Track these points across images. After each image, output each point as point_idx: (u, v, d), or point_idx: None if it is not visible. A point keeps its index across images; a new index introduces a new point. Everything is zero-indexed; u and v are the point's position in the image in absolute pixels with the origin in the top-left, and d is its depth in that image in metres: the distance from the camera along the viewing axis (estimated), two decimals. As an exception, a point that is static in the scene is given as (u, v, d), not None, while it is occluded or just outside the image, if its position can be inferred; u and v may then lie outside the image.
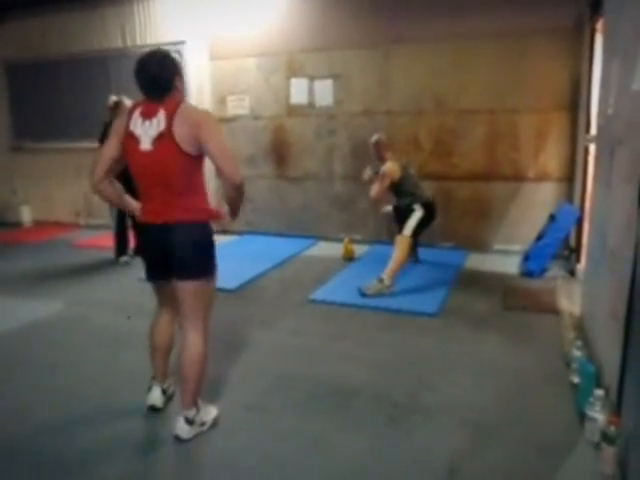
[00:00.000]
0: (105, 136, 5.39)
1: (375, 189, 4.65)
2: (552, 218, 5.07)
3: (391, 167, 4.61)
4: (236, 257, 5.54)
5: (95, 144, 7.28)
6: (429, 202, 4.68)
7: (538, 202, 5.51)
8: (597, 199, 3.35)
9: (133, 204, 2.43)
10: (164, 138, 2.15)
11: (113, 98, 5.62)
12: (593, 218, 3.49)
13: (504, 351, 3.32)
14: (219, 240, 2.73)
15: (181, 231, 2.27)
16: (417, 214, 4.57)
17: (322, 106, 6.25)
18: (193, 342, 2.37)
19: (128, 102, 5.50)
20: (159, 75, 2.22)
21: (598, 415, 2.28)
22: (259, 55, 6.41)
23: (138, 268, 5.21)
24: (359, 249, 5.70)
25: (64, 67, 7.48)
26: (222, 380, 3.00)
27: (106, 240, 6.65)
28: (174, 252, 2.29)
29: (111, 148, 2.29)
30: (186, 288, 2.33)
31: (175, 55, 2.34)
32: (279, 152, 6.57)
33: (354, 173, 6.13)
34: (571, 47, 5.13)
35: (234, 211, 2.45)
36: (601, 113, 3.37)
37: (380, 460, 2.29)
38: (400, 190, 4.68)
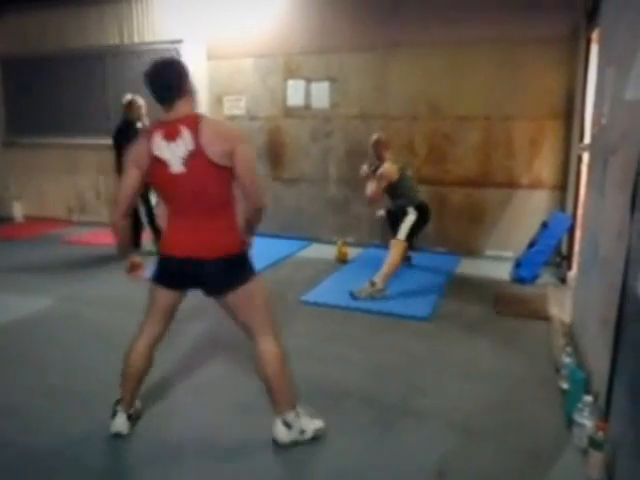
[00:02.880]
0: (121, 134, 5.48)
1: (372, 189, 4.62)
2: (544, 225, 5.10)
3: (390, 168, 4.57)
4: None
5: (91, 140, 7.38)
6: (423, 205, 4.67)
7: (531, 209, 5.54)
8: (589, 207, 3.38)
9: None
10: (195, 156, 2.12)
11: (127, 97, 5.65)
12: (585, 226, 3.52)
13: (495, 356, 3.33)
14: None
15: (214, 265, 2.23)
16: (410, 217, 4.55)
17: (318, 108, 6.26)
18: (265, 348, 2.32)
19: (141, 101, 5.53)
20: (171, 80, 2.21)
21: (586, 421, 2.29)
22: (256, 56, 6.42)
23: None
24: (353, 252, 5.71)
25: (60, 63, 7.45)
26: (213, 380, 2.99)
27: (98, 237, 6.63)
28: (206, 282, 2.28)
29: (132, 181, 2.24)
30: (232, 301, 2.29)
31: (182, 60, 2.34)
32: (274, 153, 6.57)
33: (349, 176, 6.15)
34: (566, 56, 5.17)
35: (251, 231, 2.41)
36: (595, 122, 3.40)
37: (370, 462, 2.29)
38: (396, 192, 4.66)
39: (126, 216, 2.32)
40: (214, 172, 2.16)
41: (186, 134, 2.12)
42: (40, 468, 2.26)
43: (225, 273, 2.25)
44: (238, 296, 2.27)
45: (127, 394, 2.45)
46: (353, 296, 4.30)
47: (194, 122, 2.15)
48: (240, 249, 2.29)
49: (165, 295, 2.36)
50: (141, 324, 2.44)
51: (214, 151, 2.12)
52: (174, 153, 2.13)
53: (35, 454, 2.35)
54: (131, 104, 5.57)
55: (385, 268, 4.38)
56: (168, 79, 2.20)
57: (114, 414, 2.44)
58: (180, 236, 2.26)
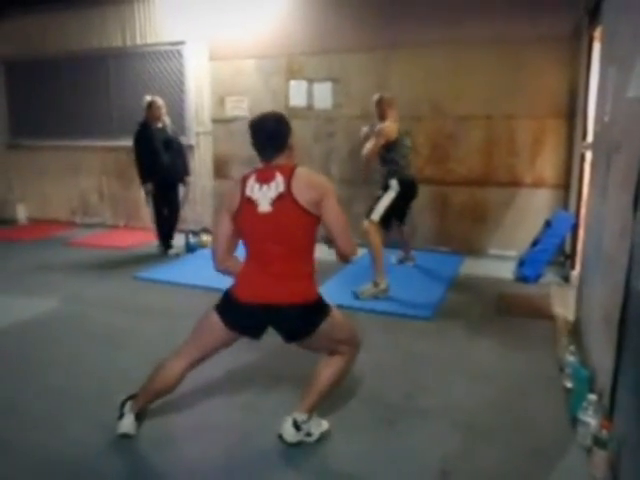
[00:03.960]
0: (139, 137, 5.61)
1: (368, 146, 4.48)
2: (548, 224, 5.09)
3: (390, 126, 4.45)
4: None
5: (93, 142, 7.41)
6: (408, 181, 4.57)
7: (534, 208, 5.53)
8: (593, 206, 3.37)
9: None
10: (284, 198, 2.17)
11: (147, 98, 5.73)
12: (588, 224, 3.52)
13: (498, 355, 3.33)
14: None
15: (288, 312, 2.23)
16: (390, 194, 4.42)
17: (321, 109, 6.27)
18: (337, 359, 2.36)
19: (160, 101, 5.61)
20: (275, 132, 2.28)
21: (591, 419, 2.29)
22: (258, 57, 6.43)
23: (136, 267, 5.25)
24: (355, 252, 5.69)
25: (63, 65, 7.47)
26: (217, 379, 3.00)
27: (102, 239, 6.66)
28: (283, 327, 2.29)
29: (225, 227, 2.31)
30: (311, 343, 2.32)
31: (286, 117, 2.37)
32: (277, 154, 6.56)
33: (351, 176, 6.16)
34: (569, 55, 5.17)
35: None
36: (598, 120, 3.39)
37: (373, 462, 2.30)
38: (387, 156, 4.52)
39: (227, 260, 2.35)
40: (299, 215, 2.18)
41: (279, 179, 2.20)
42: (41, 469, 2.27)
43: (302, 320, 2.25)
44: (319, 336, 2.28)
45: (143, 402, 2.45)
46: (356, 296, 4.30)
47: (289, 170, 2.23)
48: (317, 298, 2.31)
49: (222, 334, 2.32)
50: (183, 346, 2.41)
51: (303, 195, 2.17)
52: (265, 195, 2.20)
53: (37, 455, 2.35)
54: (151, 105, 5.65)
55: (374, 264, 4.33)
56: (273, 134, 2.28)
57: (121, 415, 2.44)
58: (257, 281, 2.26)
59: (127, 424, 2.42)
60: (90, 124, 7.46)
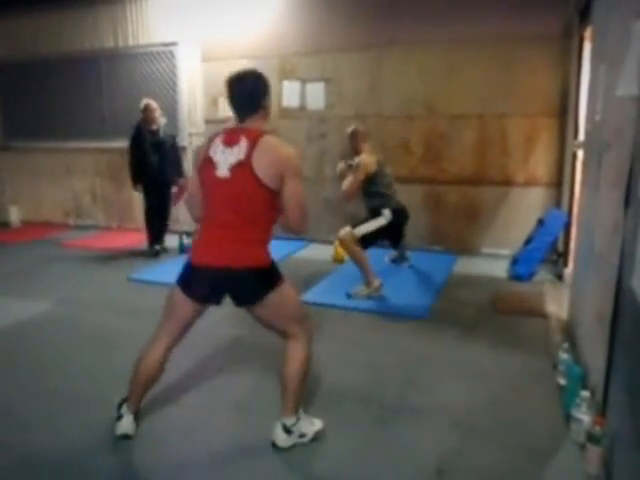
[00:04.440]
0: (136, 139, 5.67)
1: (348, 182, 4.33)
2: (540, 223, 5.12)
3: (367, 159, 4.32)
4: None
5: (86, 144, 7.39)
6: (400, 210, 4.46)
7: (527, 207, 5.56)
8: (585, 204, 3.39)
9: None
10: (242, 165, 2.15)
11: (143, 101, 5.77)
12: (581, 223, 3.54)
13: (492, 353, 3.35)
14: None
15: (240, 276, 2.21)
16: (381, 221, 4.32)
17: (313, 109, 6.27)
18: (293, 350, 2.34)
19: (154, 104, 5.69)
20: (252, 90, 2.27)
21: (584, 416, 2.31)
22: (251, 57, 6.41)
23: (129, 268, 5.24)
24: (349, 252, 5.70)
25: (55, 66, 7.44)
26: (211, 379, 3.00)
27: (95, 240, 6.64)
28: (236, 292, 2.28)
29: (194, 185, 2.34)
30: (262, 310, 2.29)
31: (265, 76, 2.35)
32: (270, 154, 6.56)
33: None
34: (560, 54, 5.20)
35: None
36: (589, 119, 3.41)
37: (368, 460, 2.30)
38: (371, 189, 4.38)
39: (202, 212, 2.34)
40: (256, 186, 2.16)
41: (243, 144, 2.17)
42: (38, 470, 2.26)
43: (254, 284, 2.25)
44: (268, 305, 2.27)
45: (135, 399, 2.45)
46: (351, 296, 4.32)
47: (255, 136, 2.19)
48: (270, 263, 2.30)
49: (188, 307, 2.32)
50: (156, 331, 2.42)
51: (262, 167, 2.14)
52: (226, 159, 2.17)
53: (33, 456, 2.35)
54: (145, 108, 5.69)
55: (360, 268, 4.30)
56: (249, 91, 2.26)
57: (119, 417, 2.43)
58: (214, 245, 2.25)
59: (126, 425, 2.42)
60: (83, 126, 7.43)
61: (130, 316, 4.03)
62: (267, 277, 2.27)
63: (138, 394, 2.45)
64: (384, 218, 4.34)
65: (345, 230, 4.31)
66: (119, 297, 4.46)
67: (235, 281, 2.23)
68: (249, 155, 2.14)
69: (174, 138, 6.02)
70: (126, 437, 2.42)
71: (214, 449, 2.40)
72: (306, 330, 2.39)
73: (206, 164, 2.22)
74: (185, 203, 2.39)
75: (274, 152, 2.19)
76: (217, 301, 2.35)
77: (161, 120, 5.80)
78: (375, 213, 4.38)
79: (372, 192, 4.40)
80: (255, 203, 2.20)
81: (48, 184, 7.89)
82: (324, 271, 5.16)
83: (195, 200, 2.35)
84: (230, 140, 2.20)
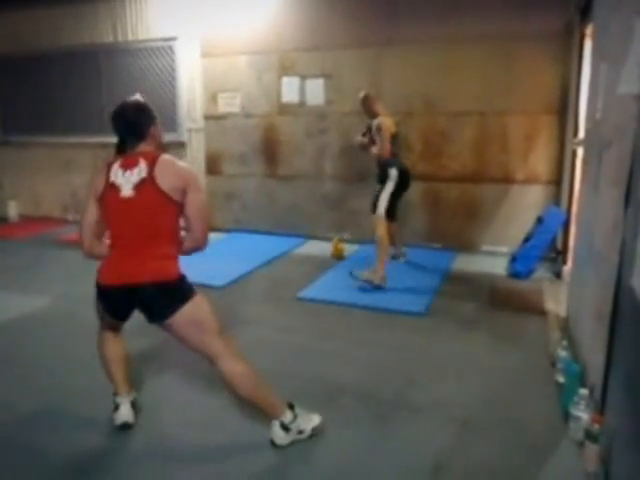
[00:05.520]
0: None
1: (379, 147, 4.57)
2: (539, 220, 5.12)
3: (387, 120, 4.62)
4: (224, 255, 5.54)
5: (85, 139, 7.36)
6: (405, 168, 4.72)
7: (526, 204, 5.56)
8: (584, 202, 3.39)
9: None
10: (145, 183, 2.19)
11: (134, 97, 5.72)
12: (580, 220, 3.54)
13: (491, 351, 3.35)
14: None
15: (149, 291, 2.21)
16: (389, 185, 4.56)
17: (313, 105, 6.26)
18: (228, 370, 2.27)
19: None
20: (135, 122, 2.31)
21: (582, 414, 2.31)
22: (251, 53, 6.41)
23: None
24: (349, 248, 5.72)
25: (54, 61, 7.41)
26: (209, 375, 3.00)
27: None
28: (146, 307, 2.28)
29: (91, 213, 2.32)
30: (176, 324, 2.24)
31: (150, 107, 2.39)
32: (269, 150, 6.56)
33: (344, 172, 6.18)
34: (560, 51, 5.19)
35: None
36: (589, 117, 3.41)
37: (367, 457, 2.31)
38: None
39: (96, 245, 2.35)
40: (161, 200, 2.20)
41: (142, 164, 2.23)
42: (37, 465, 2.27)
43: (162, 298, 2.23)
44: (181, 318, 2.23)
45: (119, 382, 2.52)
46: (352, 275, 4.47)
47: (152, 156, 2.26)
48: (178, 276, 2.28)
49: (109, 319, 2.45)
50: (98, 327, 2.55)
51: (166, 182, 2.20)
52: (128, 180, 2.22)
53: (32, 451, 2.35)
54: None
55: (378, 252, 4.46)
56: (131, 122, 2.31)
57: (116, 407, 2.48)
58: (119, 264, 2.27)
59: (124, 413, 2.47)
60: (82, 120, 7.41)
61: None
62: (175, 291, 2.25)
63: (120, 378, 2.52)
64: (392, 181, 4.57)
65: (375, 221, 4.53)
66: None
67: (144, 297, 2.23)
68: (151, 172, 2.20)
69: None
70: (126, 426, 2.45)
71: (211, 446, 2.40)
72: (228, 343, 2.32)
73: (108, 189, 2.24)
74: (79, 232, 2.36)
75: (174, 167, 2.26)
76: (124, 317, 2.41)
77: None
78: (384, 175, 4.60)
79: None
80: (161, 217, 2.24)
81: (47, 179, 7.88)
82: (323, 268, 5.16)
83: (89, 229, 2.32)
84: (128, 164, 2.25)
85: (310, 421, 2.44)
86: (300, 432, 2.39)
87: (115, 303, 2.33)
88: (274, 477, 2.23)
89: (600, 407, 2.30)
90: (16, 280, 4.92)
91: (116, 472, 2.25)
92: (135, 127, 2.31)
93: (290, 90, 6.33)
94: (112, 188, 2.23)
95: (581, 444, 2.25)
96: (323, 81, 6.16)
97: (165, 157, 2.28)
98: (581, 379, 2.60)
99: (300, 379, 2.94)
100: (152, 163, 2.22)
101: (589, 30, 4.18)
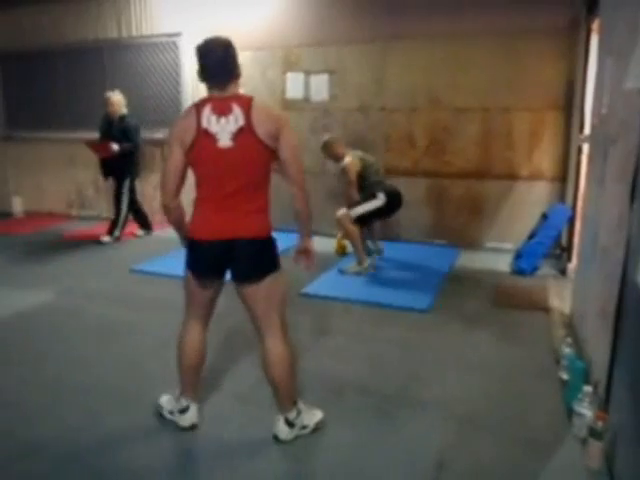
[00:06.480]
0: (102, 129, 6.00)
1: (349, 190, 4.73)
2: (544, 217, 5.10)
3: (349, 161, 4.72)
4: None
5: (89, 134, 7.31)
6: (393, 192, 4.78)
7: (531, 201, 5.54)
8: (589, 198, 3.38)
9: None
10: (244, 132, 2.10)
11: (106, 94, 6.04)
12: (585, 217, 3.52)
13: (495, 347, 3.34)
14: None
15: (247, 247, 2.18)
16: (377, 202, 4.67)
17: (317, 101, 6.25)
18: (273, 347, 2.27)
19: (118, 96, 5.94)
20: (227, 58, 2.18)
21: (586, 411, 2.30)
22: (255, 49, 6.39)
23: (132, 260, 5.24)
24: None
25: (58, 56, 7.42)
26: (213, 371, 3.00)
27: (98, 231, 6.63)
28: (238, 263, 2.22)
29: (178, 160, 2.18)
30: (254, 291, 2.23)
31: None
32: (273, 146, 6.55)
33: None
34: (566, 47, 5.15)
35: (305, 227, 2.42)
36: (595, 113, 3.39)
37: (369, 453, 2.30)
38: (364, 183, 4.74)
39: (177, 196, 2.24)
40: (261, 150, 2.14)
41: (237, 110, 2.11)
42: (39, 460, 2.27)
43: (256, 255, 2.22)
44: (261, 287, 2.22)
45: (190, 388, 2.45)
46: (342, 271, 4.73)
47: (246, 101, 2.14)
48: (270, 234, 2.27)
49: (201, 290, 2.32)
50: (185, 318, 2.41)
51: (262, 129, 2.11)
52: (224, 128, 2.10)
53: (35, 446, 2.35)
54: (106, 100, 5.98)
55: (353, 247, 4.72)
56: (226, 58, 2.18)
57: (185, 409, 2.43)
58: (214, 218, 2.20)
59: (192, 415, 2.44)
60: (86, 116, 7.40)
61: (132, 307, 4.03)
62: (267, 251, 2.25)
63: (191, 382, 2.45)
64: (379, 200, 4.69)
65: (342, 211, 4.74)
66: (121, 288, 4.47)
67: (241, 253, 2.19)
68: (248, 119, 2.10)
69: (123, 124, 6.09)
70: (194, 427, 2.44)
71: (214, 441, 2.40)
72: (284, 325, 2.34)
73: (202, 137, 2.11)
74: (163, 179, 2.23)
75: (267, 112, 2.17)
76: (220, 276, 2.30)
77: (124, 110, 6.04)
78: (372, 195, 4.74)
79: (365, 185, 4.78)
80: (260, 167, 2.18)
81: (51, 175, 7.89)
82: (326, 264, 5.14)
83: (175, 177, 2.19)
84: (222, 109, 2.11)
85: (313, 416, 2.44)
86: (303, 427, 2.39)
87: (215, 260, 2.22)
88: (278, 472, 2.22)
89: (604, 404, 2.29)
90: (20, 275, 4.93)
91: (118, 470, 2.25)
92: (227, 64, 2.17)
93: (294, 86, 6.32)
94: (206, 136, 2.11)
95: (585, 441, 2.23)
96: (327, 77, 6.14)
97: (257, 101, 2.16)
98: (585, 376, 2.59)
99: (302, 374, 2.94)
100: (247, 109, 2.11)
101: (595, 25, 4.15)
